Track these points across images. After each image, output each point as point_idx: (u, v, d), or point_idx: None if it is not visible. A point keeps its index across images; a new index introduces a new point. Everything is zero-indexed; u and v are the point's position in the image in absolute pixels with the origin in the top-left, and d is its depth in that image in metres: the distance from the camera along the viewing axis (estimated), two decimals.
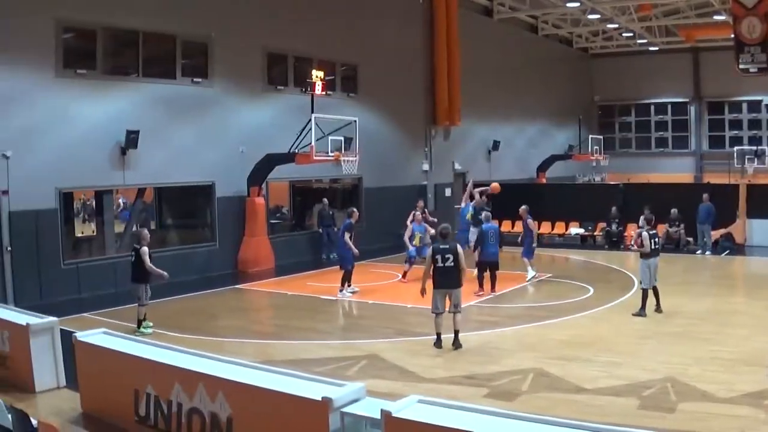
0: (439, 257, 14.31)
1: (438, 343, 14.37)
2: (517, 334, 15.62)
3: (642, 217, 17.74)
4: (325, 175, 29.02)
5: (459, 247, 14.56)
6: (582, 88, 50.44)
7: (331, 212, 27.36)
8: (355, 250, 20.06)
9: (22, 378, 11.80)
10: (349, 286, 20.45)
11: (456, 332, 14.35)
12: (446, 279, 14.38)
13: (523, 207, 22.83)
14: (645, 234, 17.03)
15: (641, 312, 16.76)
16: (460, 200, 33.41)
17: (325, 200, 27.60)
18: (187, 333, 15.83)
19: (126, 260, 21.71)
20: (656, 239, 17.19)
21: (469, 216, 22.89)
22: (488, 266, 20.02)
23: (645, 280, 16.96)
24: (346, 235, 20.14)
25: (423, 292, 14.57)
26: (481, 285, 19.85)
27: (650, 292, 16.95)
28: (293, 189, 28.46)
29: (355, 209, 21.32)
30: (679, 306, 17.61)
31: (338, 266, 21.00)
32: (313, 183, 29.92)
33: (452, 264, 14.27)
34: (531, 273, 22.32)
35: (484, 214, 20.72)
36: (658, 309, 16.98)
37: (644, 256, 16.98)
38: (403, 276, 22.42)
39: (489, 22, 38.93)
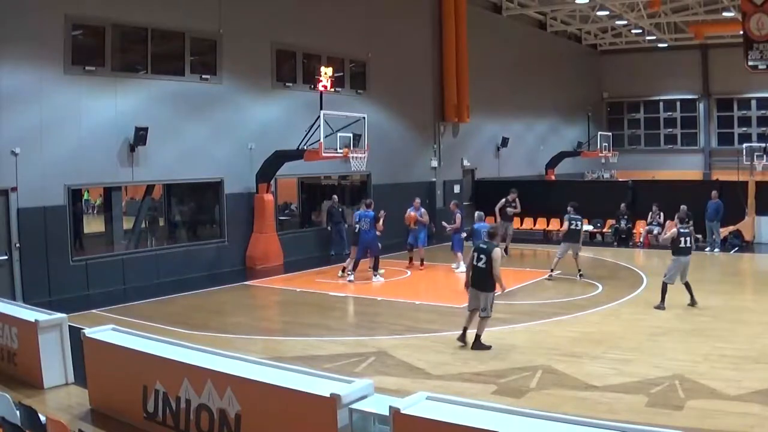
0: (475, 255, 14.13)
1: (462, 337, 14.22)
2: (525, 331, 15.60)
3: (677, 216, 18.02)
4: (333, 171, 29.05)
5: (497, 251, 14.06)
6: (591, 84, 50.32)
7: (340, 209, 27.36)
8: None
9: (30, 374, 11.82)
10: (376, 271, 22.29)
11: (477, 336, 14.11)
12: (476, 279, 14.16)
13: (454, 202, 24.81)
14: (675, 230, 17.35)
15: (660, 305, 16.93)
16: (468, 197, 33.67)
17: (335, 197, 27.61)
18: (195, 330, 15.83)
19: (134, 256, 22.00)
20: (689, 237, 17.38)
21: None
22: None
23: (669, 275, 17.12)
24: (377, 226, 22.12)
25: (466, 286, 14.50)
26: None
27: (666, 287, 17.14)
28: (302, 186, 28.46)
29: (371, 201, 23.18)
30: (687, 303, 17.57)
31: (365, 256, 22.43)
32: (321, 180, 29.92)
33: (483, 265, 13.96)
34: (461, 267, 22.72)
35: (477, 213, 20.64)
36: (692, 303, 17.20)
37: (676, 253, 17.18)
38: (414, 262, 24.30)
39: (498, 18, 38.85)
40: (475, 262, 14.12)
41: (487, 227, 19.56)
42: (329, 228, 27.38)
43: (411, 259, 24.36)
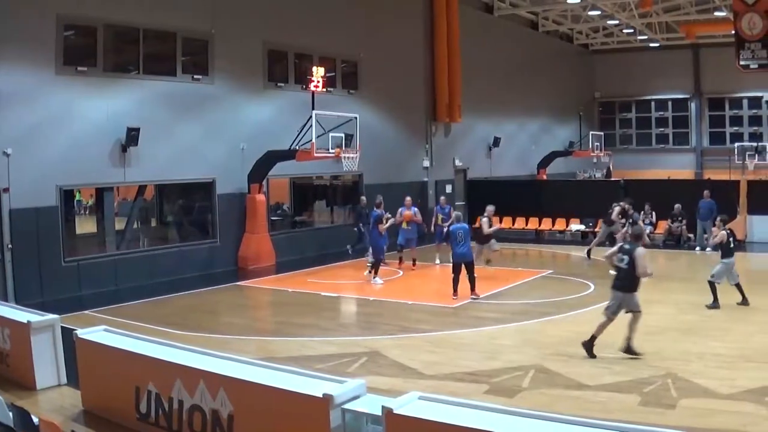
0: (618, 255, 13.75)
1: (589, 345, 13.37)
2: (518, 331, 15.62)
3: (719, 219, 18.15)
4: (325, 171, 29.06)
5: (640, 250, 13.48)
6: (582, 84, 50.36)
7: (367, 210, 26.69)
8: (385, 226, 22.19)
9: (23, 375, 11.80)
10: (375, 275, 21.70)
11: (627, 339, 13.25)
12: (618, 280, 13.69)
13: (443, 197, 26.28)
14: (723, 233, 17.32)
15: (714, 304, 16.97)
16: (461, 197, 33.68)
17: (363, 198, 27.32)
18: (188, 330, 15.80)
19: (126, 257, 21.96)
20: (733, 237, 17.61)
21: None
22: (462, 267, 18.91)
23: (717, 275, 17.21)
24: (379, 226, 21.80)
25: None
26: (455, 289, 18.91)
27: (715, 286, 17.23)
28: (294, 186, 28.43)
29: (381, 200, 23.16)
30: (681, 302, 17.61)
31: (369, 257, 22.40)
32: (313, 180, 29.92)
33: (626, 266, 13.48)
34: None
35: (454, 214, 20.43)
36: (744, 302, 17.26)
37: (727, 255, 17.27)
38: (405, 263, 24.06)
39: (489, 18, 38.89)
40: (617, 263, 13.76)
41: (465, 228, 19.29)
42: (362, 229, 26.58)
43: (401, 260, 24.34)
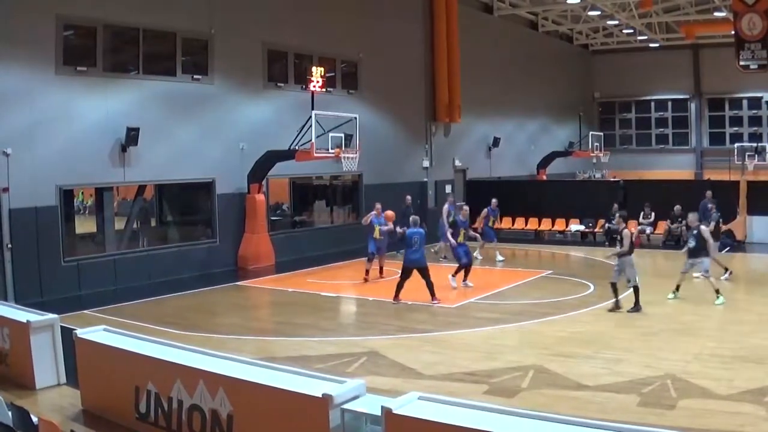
0: None
1: None
2: (517, 331, 15.61)
3: (618, 216, 18.25)
4: (325, 171, 29.05)
5: None
6: (582, 84, 50.36)
7: (411, 211, 25.25)
8: (453, 242, 21.13)
9: (22, 375, 11.80)
10: (464, 279, 20.89)
11: None
12: None
13: (494, 200, 26.65)
14: (627, 232, 17.38)
15: (637, 307, 16.89)
16: (459, 198, 33.67)
17: (409, 198, 27.09)
18: (187, 330, 15.81)
19: (125, 257, 21.95)
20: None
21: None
22: (415, 272, 18.52)
23: (635, 277, 17.11)
24: (449, 232, 21.43)
25: None
26: (396, 294, 18.56)
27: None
28: (293, 186, 28.44)
29: (465, 206, 23.38)
30: (679, 303, 17.61)
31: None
32: (313, 180, 29.92)
33: None
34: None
35: (411, 218, 19.68)
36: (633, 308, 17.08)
37: (627, 253, 17.20)
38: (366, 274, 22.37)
39: (489, 18, 38.89)
40: None
41: (421, 234, 18.66)
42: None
43: (367, 272, 22.41)
